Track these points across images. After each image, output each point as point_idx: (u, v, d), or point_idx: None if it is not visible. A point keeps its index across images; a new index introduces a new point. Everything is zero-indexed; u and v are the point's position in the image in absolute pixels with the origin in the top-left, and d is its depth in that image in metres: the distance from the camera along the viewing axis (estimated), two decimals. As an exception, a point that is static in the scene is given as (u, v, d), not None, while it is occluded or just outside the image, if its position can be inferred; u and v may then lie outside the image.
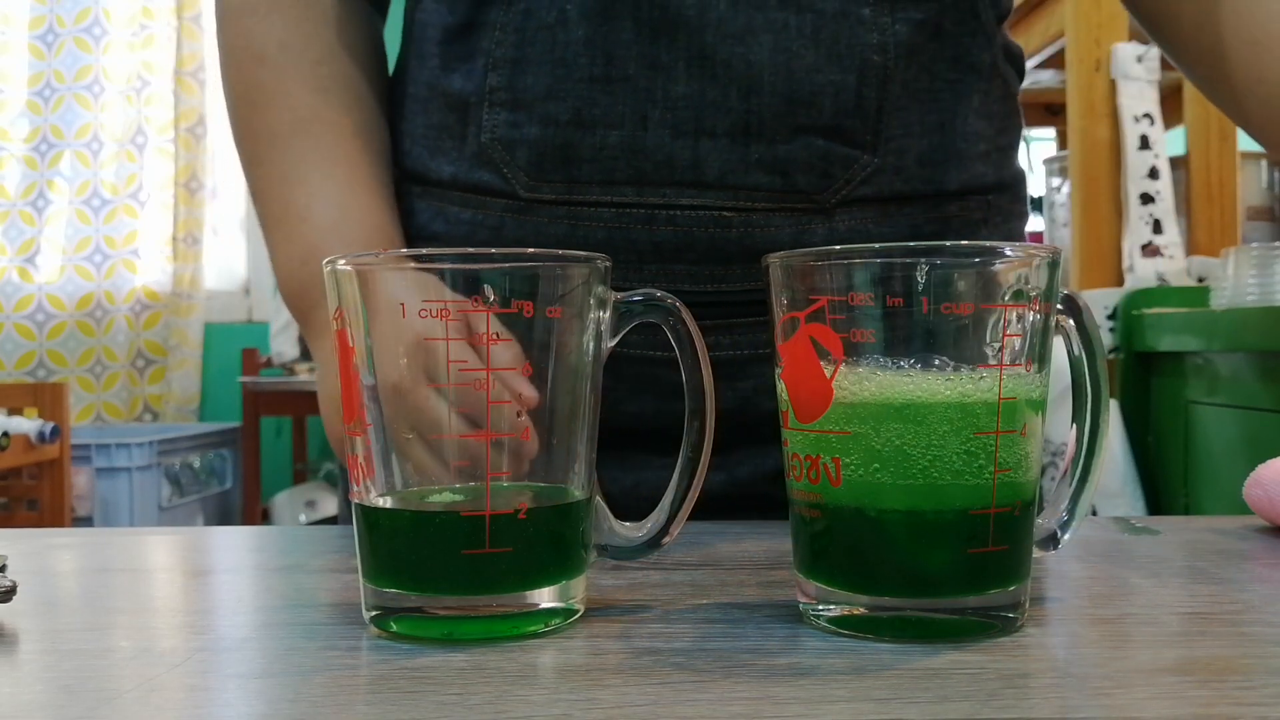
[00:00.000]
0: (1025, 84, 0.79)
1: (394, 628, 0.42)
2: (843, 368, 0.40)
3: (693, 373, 0.44)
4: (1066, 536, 0.46)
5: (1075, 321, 0.44)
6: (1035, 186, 2.32)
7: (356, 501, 0.43)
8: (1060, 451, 1.80)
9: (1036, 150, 2.85)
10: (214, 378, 3.65)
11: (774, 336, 0.43)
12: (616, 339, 0.45)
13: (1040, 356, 0.41)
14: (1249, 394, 1.64)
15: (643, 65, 0.65)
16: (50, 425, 2.60)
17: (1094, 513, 1.58)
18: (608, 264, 0.44)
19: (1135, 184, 2.03)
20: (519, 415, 0.41)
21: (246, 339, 3.62)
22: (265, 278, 3.69)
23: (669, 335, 0.45)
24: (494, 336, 0.41)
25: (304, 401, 3.34)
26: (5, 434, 2.46)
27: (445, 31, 0.70)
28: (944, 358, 0.40)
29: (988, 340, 0.40)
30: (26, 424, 2.58)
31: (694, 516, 0.66)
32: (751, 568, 0.52)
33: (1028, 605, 0.42)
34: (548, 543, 0.42)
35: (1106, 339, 1.91)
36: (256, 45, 0.73)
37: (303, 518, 3.30)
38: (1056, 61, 2.29)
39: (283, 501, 3.37)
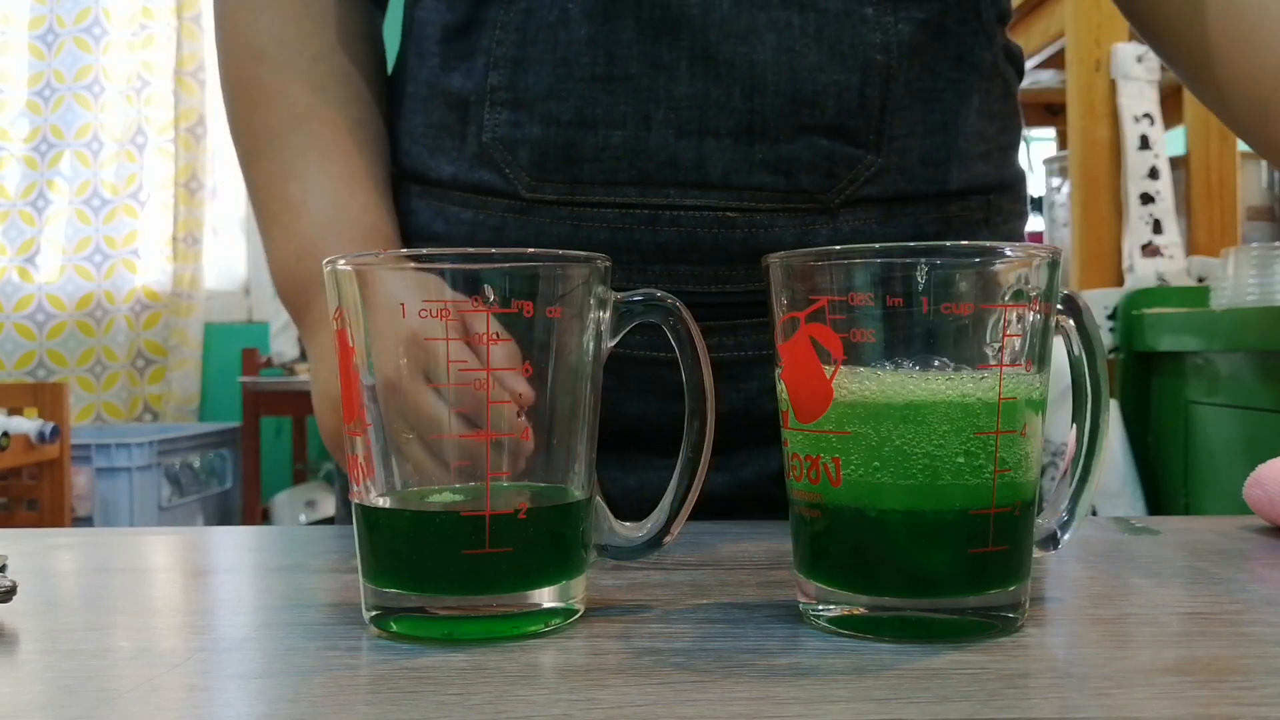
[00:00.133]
0: (1025, 84, 0.79)
1: (394, 628, 0.42)
2: (843, 368, 0.40)
3: (693, 373, 0.44)
4: (1066, 537, 0.46)
5: (1075, 321, 0.44)
6: (1035, 186, 2.32)
7: (356, 502, 0.43)
8: (1060, 451, 1.80)
9: (1036, 150, 2.85)
10: (214, 378, 3.65)
11: (774, 337, 0.43)
12: (616, 339, 0.45)
13: (1040, 356, 0.41)
14: (1249, 394, 1.64)
15: (645, 65, 0.65)
16: (50, 425, 2.60)
17: (1094, 513, 1.58)
18: (608, 264, 0.44)
19: (1135, 184, 2.03)
20: (519, 415, 0.41)
21: (246, 339, 3.62)
22: (265, 278, 3.69)
23: (669, 335, 0.45)
24: (493, 336, 0.41)
25: (304, 401, 3.34)
26: (5, 434, 2.46)
27: (445, 30, 0.70)
28: (944, 358, 0.40)
29: (988, 340, 0.40)
30: (26, 424, 2.58)
31: (698, 517, 0.66)
32: (751, 568, 0.52)
33: (1028, 605, 0.42)
34: (548, 543, 0.42)
35: (1106, 339, 1.91)
36: (255, 41, 0.72)
37: (303, 518, 3.31)
38: (1056, 61, 2.29)
39: (283, 501, 3.37)
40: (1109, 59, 2.07)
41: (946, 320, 0.39)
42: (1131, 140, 2.04)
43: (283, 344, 3.38)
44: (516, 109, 0.67)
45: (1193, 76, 0.74)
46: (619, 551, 0.46)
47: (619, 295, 0.45)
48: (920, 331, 0.39)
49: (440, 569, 0.41)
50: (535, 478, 0.42)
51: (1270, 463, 0.61)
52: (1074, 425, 0.45)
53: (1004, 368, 0.40)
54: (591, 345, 0.44)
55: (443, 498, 0.42)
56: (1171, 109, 2.15)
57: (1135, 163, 2.03)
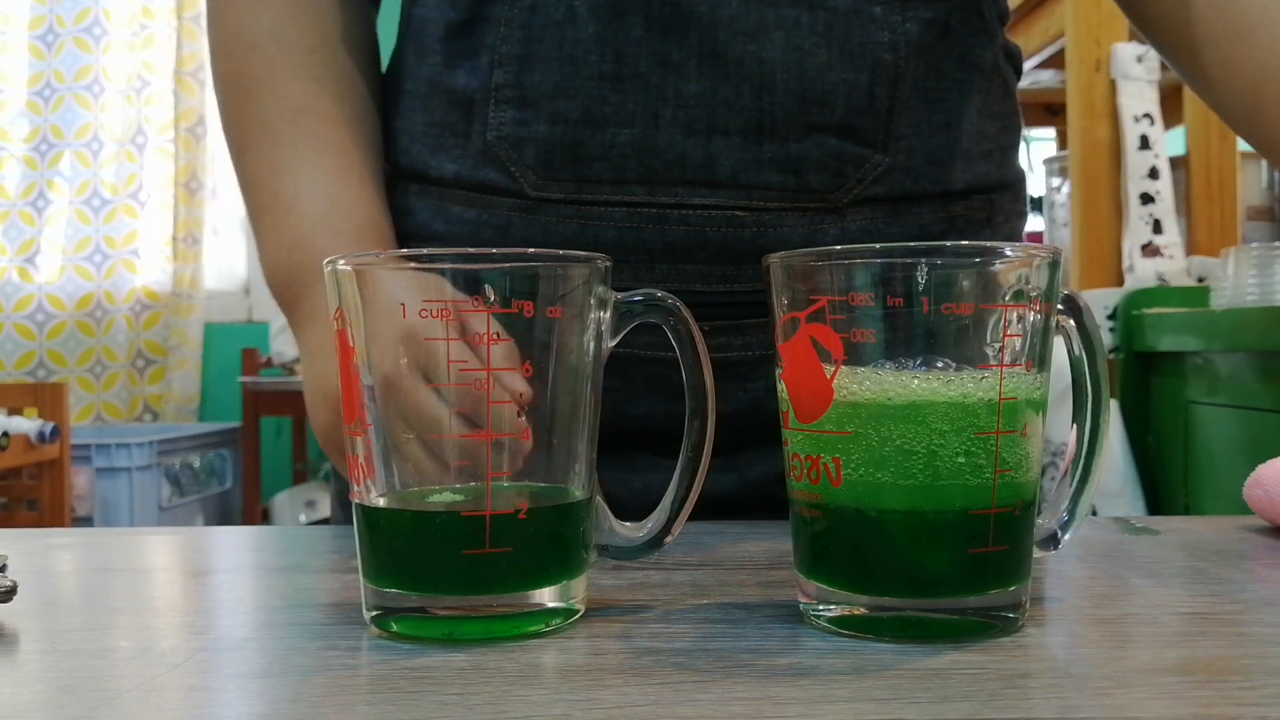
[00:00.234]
0: (1025, 84, 0.79)
1: (394, 628, 0.42)
2: (843, 368, 0.40)
3: (693, 373, 0.44)
4: (1067, 537, 0.46)
5: (1075, 322, 0.44)
6: (1035, 186, 2.32)
7: (357, 502, 0.43)
8: (1060, 451, 1.80)
9: (1036, 150, 2.85)
10: (214, 378, 3.65)
11: (774, 337, 0.43)
12: (617, 339, 0.45)
13: (1040, 357, 0.41)
14: (1249, 394, 1.65)
15: (654, 63, 0.65)
16: (50, 425, 2.60)
17: (1094, 513, 1.58)
18: (608, 264, 0.44)
19: (1135, 184, 2.03)
20: (519, 415, 0.41)
21: (246, 339, 3.62)
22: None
23: (669, 335, 0.45)
24: (493, 336, 0.41)
25: (304, 401, 3.34)
26: (5, 434, 2.46)
27: (448, 27, 0.70)
28: (944, 358, 0.40)
29: (988, 340, 0.40)
30: (26, 424, 2.58)
31: (705, 517, 0.65)
32: (752, 568, 0.52)
33: (1028, 605, 0.42)
34: (548, 543, 0.42)
35: (1106, 339, 1.91)
36: (248, 33, 0.72)
37: (303, 518, 3.31)
38: (1056, 61, 2.29)
39: (283, 501, 3.37)
40: (1109, 59, 2.07)
41: (947, 320, 0.39)
42: (1131, 140, 2.04)
43: (283, 344, 3.38)
44: (522, 107, 0.67)
45: (1188, 70, 0.74)
46: (619, 551, 0.46)
47: (619, 295, 0.45)
48: (921, 331, 0.39)
49: (441, 569, 0.41)
50: (535, 478, 0.42)
51: (1270, 463, 0.61)
52: (1074, 425, 0.45)
53: (1004, 368, 0.40)
54: (592, 345, 0.44)
55: (443, 498, 0.42)
56: (1171, 109, 2.15)
57: (1135, 163, 2.03)
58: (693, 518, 0.45)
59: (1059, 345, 0.43)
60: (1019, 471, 0.41)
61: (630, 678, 0.36)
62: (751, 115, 0.65)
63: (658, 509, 0.45)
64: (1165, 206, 2.02)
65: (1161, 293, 1.92)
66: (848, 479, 0.40)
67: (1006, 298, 0.40)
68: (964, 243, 0.40)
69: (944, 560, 0.40)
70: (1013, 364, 0.40)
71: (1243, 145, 2.10)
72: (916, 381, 0.39)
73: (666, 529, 0.45)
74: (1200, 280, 1.97)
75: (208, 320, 3.65)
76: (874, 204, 0.68)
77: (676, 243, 0.66)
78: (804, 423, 0.41)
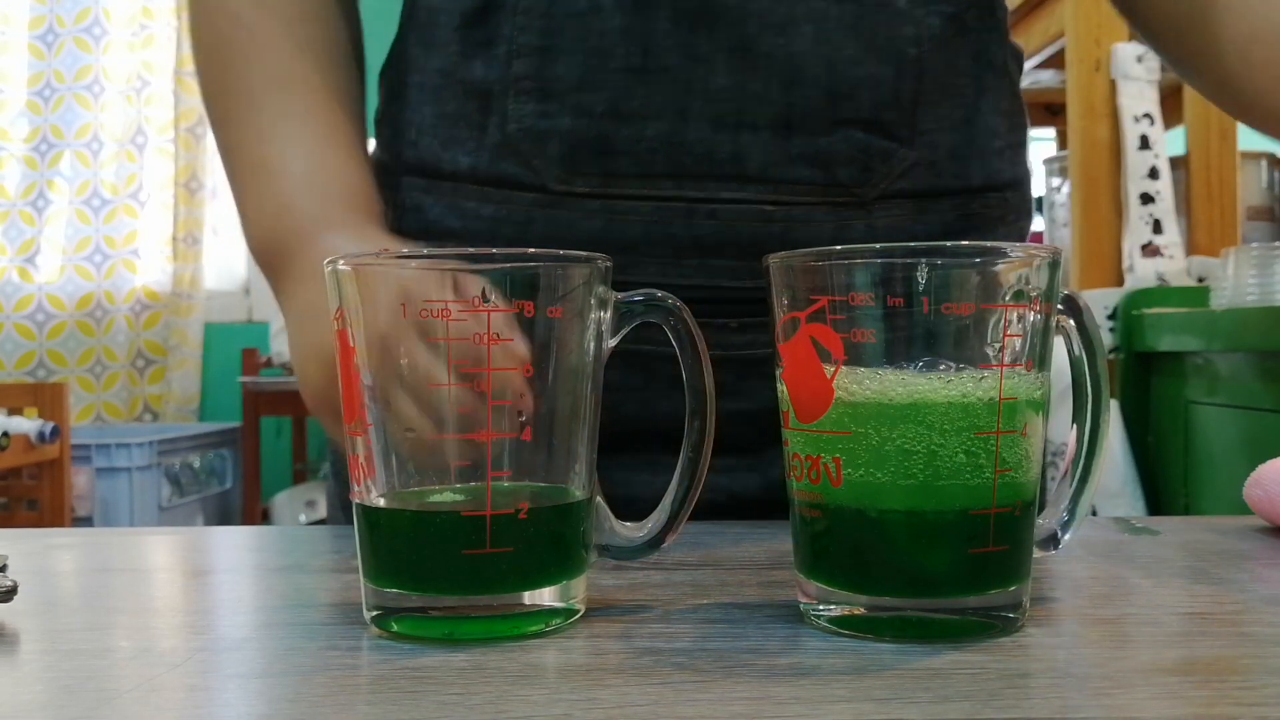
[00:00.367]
0: (1025, 84, 0.80)
1: (395, 628, 0.42)
2: (843, 368, 0.40)
3: (693, 373, 0.45)
4: (1067, 537, 0.46)
5: (1076, 322, 0.44)
6: (1035, 186, 2.32)
7: (357, 502, 0.43)
8: (1060, 451, 1.80)
9: (1036, 150, 2.85)
10: (214, 378, 3.66)
11: (774, 337, 0.43)
12: (618, 339, 0.45)
13: (1041, 357, 0.41)
14: (1249, 394, 1.65)
15: (682, 56, 0.64)
16: (50, 425, 2.60)
17: (1094, 513, 1.58)
18: (608, 264, 0.44)
19: (1135, 184, 2.03)
20: (520, 417, 0.41)
21: (246, 339, 3.62)
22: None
23: (669, 335, 0.45)
24: (494, 337, 0.41)
25: (303, 401, 3.34)
26: (5, 434, 2.46)
27: (463, 17, 0.68)
28: (945, 358, 0.40)
29: (988, 340, 0.40)
30: (26, 424, 2.58)
31: (731, 517, 0.65)
32: (752, 568, 0.52)
33: (1028, 605, 0.42)
34: (548, 543, 0.42)
35: (1106, 339, 1.91)
36: (231, 2, 0.71)
37: (303, 518, 3.31)
38: (1056, 61, 2.29)
39: (283, 501, 3.37)
40: (1109, 59, 2.07)
41: (947, 320, 0.39)
42: (1131, 140, 2.04)
43: (283, 344, 3.38)
44: (544, 99, 0.66)
45: (1175, 52, 0.74)
46: (620, 552, 0.46)
47: (619, 295, 0.45)
48: (921, 331, 0.39)
49: (441, 569, 0.41)
50: (536, 478, 0.42)
51: (1270, 463, 0.61)
52: (1074, 425, 0.45)
53: (1004, 368, 0.40)
54: (592, 345, 0.44)
55: (443, 498, 0.42)
56: (1171, 109, 2.15)
57: (1135, 163, 2.03)
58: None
59: (1059, 345, 0.44)
60: (1019, 471, 0.41)
61: (630, 677, 0.36)
62: (780, 109, 0.65)
63: (658, 509, 0.45)
64: (1165, 206, 2.02)
65: (1161, 293, 1.92)
66: (848, 479, 0.40)
67: (1007, 298, 0.40)
68: (964, 243, 0.40)
69: (944, 560, 0.40)
70: (1013, 364, 0.40)
71: (1243, 145, 2.10)
72: (917, 381, 0.39)
73: (667, 529, 0.45)
74: (1200, 280, 1.97)
75: (208, 320, 3.66)
76: (900, 200, 0.68)
77: (704, 238, 0.65)
78: (804, 423, 0.41)
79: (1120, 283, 2.02)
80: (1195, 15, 0.70)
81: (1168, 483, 1.85)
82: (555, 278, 0.42)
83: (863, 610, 0.41)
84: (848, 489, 0.40)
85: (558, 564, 0.42)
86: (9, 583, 0.44)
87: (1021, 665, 0.37)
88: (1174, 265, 1.99)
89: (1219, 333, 1.69)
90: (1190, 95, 2.09)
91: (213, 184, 3.65)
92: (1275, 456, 0.62)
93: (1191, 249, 2.07)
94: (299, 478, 3.54)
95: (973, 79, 0.70)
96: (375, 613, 0.42)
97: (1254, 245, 1.82)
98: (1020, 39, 2.31)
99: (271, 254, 0.68)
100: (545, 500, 0.42)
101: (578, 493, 0.43)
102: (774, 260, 0.43)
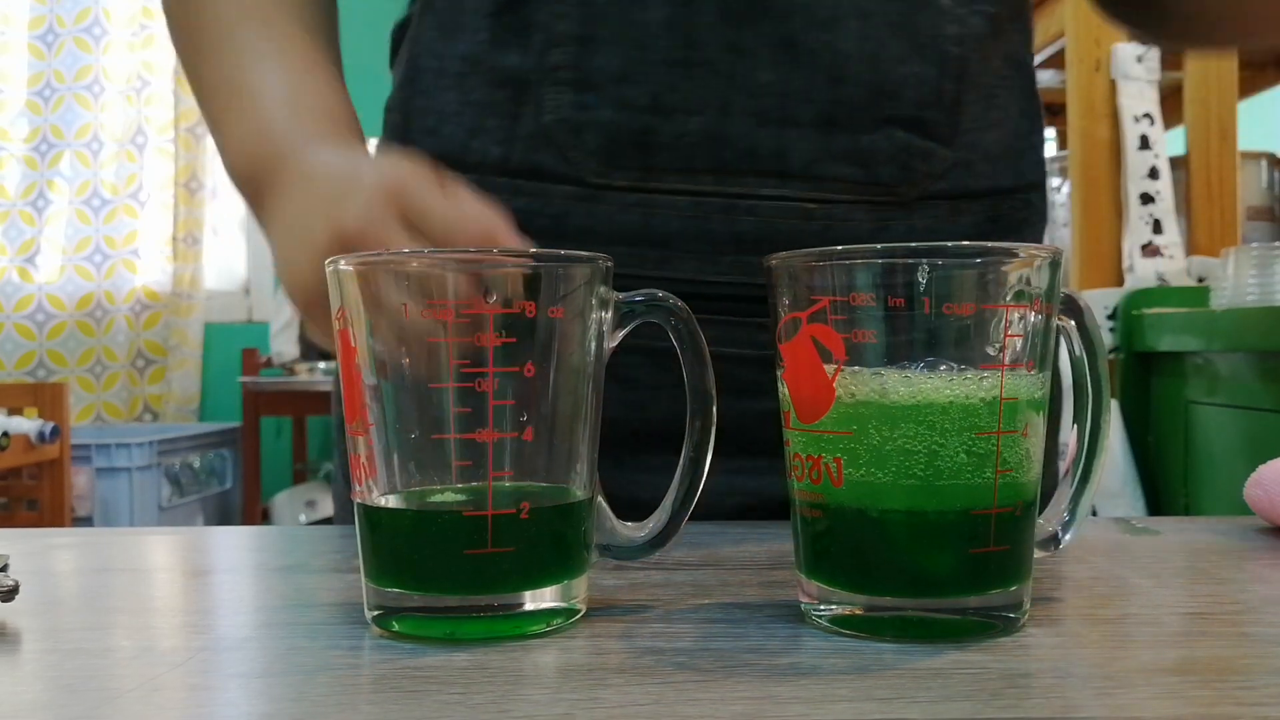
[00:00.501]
0: (1026, 84, 0.80)
1: (396, 627, 0.42)
2: (844, 368, 0.40)
3: (695, 374, 0.45)
4: (1068, 537, 0.46)
5: (1076, 322, 0.44)
6: (1035, 187, 2.31)
7: (359, 501, 0.43)
8: (1061, 452, 1.80)
9: (1037, 150, 2.84)
10: (214, 378, 3.66)
11: (776, 337, 0.43)
12: (619, 339, 0.45)
13: (1041, 357, 0.41)
14: (1249, 394, 1.65)
15: (725, 50, 0.63)
16: (50, 425, 2.60)
17: (1094, 513, 1.58)
18: (609, 264, 0.44)
19: (1135, 184, 2.03)
20: (522, 418, 0.41)
21: (246, 339, 3.62)
22: (265, 278, 3.70)
23: (670, 335, 0.45)
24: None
25: (304, 401, 3.34)
26: (5, 434, 2.46)
27: (494, 3, 0.67)
28: (945, 358, 0.40)
29: (989, 340, 0.40)
30: (26, 424, 2.58)
31: (756, 517, 0.64)
32: (753, 568, 0.52)
33: (1029, 605, 0.42)
34: (550, 543, 0.42)
35: (1106, 339, 1.91)
36: None
37: (303, 518, 3.31)
38: (1056, 61, 2.29)
39: (283, 501, 3.37)
40: (1109, 59, 2.07)
41: (948, 320, 0.39)
42: (1131, 140, 2.04)
43: (283, 344, 3.38)
44: (583, 90, 0.65)
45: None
46: (621, 551, 0.46)
47: (620, 295, 0.45)
48: (922, 332, 0.39)
49: (442, 569, 0.41)
50: (537, 477, 0.42)
51: (1271, 463, 0.61)
52: (1075, 426, 0.46)
53: (1005, 368, 0.40)
54: (593, 345, 0.44)
55: (445, 497, 0.42)
56: (1171, 109, 2.15)
57: (1135, 163, 2.03)
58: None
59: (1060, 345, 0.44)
60: (1020, 471, 0.41)
61: (632, 677, 0.36)
62: (824, 106, 0.64)
63: (659, 509, 0.45)
64: (1165, 206, 2.02)
65: (1161, 293, 1.92)
66: (849, 479, 0.40)
67: (1007, 298, 0.40)
68: (965, 243, 0.40)
69: (945, 560, 0.40)
70: (1014, 364, 0.40)
71: (1243, 145, 2.10)
72: (918, 381, 0.39)
73: (668, 529, 0.45)
74: (1200, 280, 1.97)
75: (208, 320, 3.66)
76: (938, 200, 0.67)
77: (744, 234, 0.65)
78: (805, 423, 0.41)
79: (1120, 283, 2.02)
80: None
81: (1168, 483, 1.85)
82: (556, 277, 0.42)
83: (864, 610, 0.41)
84: (849, 489, 0.40)
85: (559, 564, 0.42)
86: (10, 582, 0.44)
87: (1023, 665, 0.37)
88: (1174, 265, 1.99)
89: (1219, 333, 1.69)
90: (1190, 95, 2.09)
91: (213, 184, 3.65)
92: (1275, 456, 0.62)
93: (1191, 249, 2.07)
94: (299, 478, 3.54)
95: (1005, 79, 0.70)
96: (377, 612, 0.42)
97: (1254, 245, 1.82)
98: (1020, 39, 2.30)
99: (253, 177, 0.66)
100: (546, 500, 0.42)
101: (579, 493, 0.43)
102: (775, 260, 0.43)
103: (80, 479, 2.91)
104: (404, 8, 0.76)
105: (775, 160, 0.64)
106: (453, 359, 0.40)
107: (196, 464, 3.30)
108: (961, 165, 0.68)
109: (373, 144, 0.75)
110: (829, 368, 0.40)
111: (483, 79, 0.67)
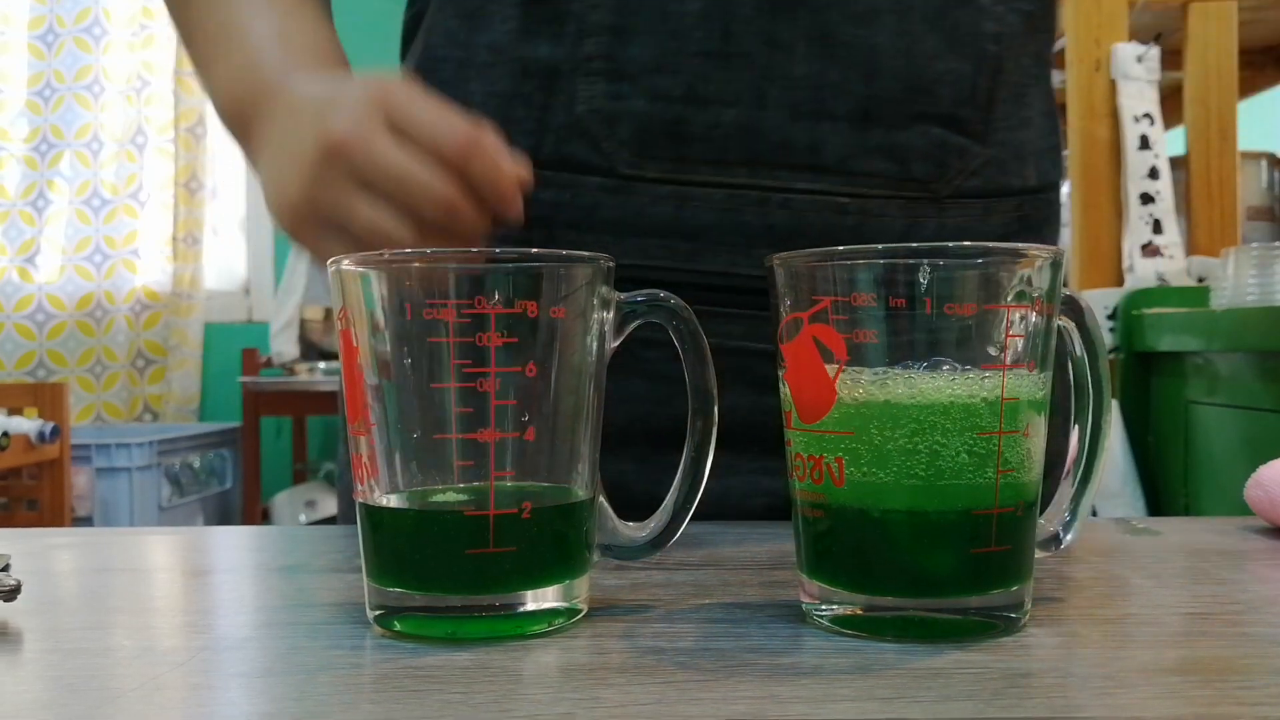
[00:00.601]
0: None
1: (398, 627, 0.42)
2: (846, 368, 0.40)
3: (696, 373, 0.45)
4: (1069, 537, 0.46)
5: (1077, 323, 0.44)
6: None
7: (361, 501, 0.43)
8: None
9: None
10: (214, 378, 3.66)
11: (778, 337, 0.43)
12: (620, 339, 0.45)
13: (1042, 357, 0.41)
14: (1249, 394, 1.65)
15: (761, 42, 0.63)
16: (50, 425, 2.60)
17: (1094, 513, 1.58)
18: (610, 264, 0.44)
19: (1135, 184, 2.03)
20: (524, 418, 0.41)
21: (246, 339, 3.62)
22: (265, 278, 3.70)
23: (671, 335, 0.45)
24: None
25: (304, 401, 3.34)
26: (5, 434, 2.46)
27: None
28: (947, 358, 0.40)
29: (990, 341, 0.40)
30: (26, 424, 2.58)
31: (784, 519, 0.64)
32: (754, 568, 0.52)
33: (1030, 605, 0.42)
34: (551, 542, 0.42)
35: (1106, 339, 1.91)
36: None
37: (303, 518, 3.31)
38: (1056, 61, 2.29)
39: (283, 501, 3.37)
40: (1109, 59, 2.07)
41: (949, 321, 0.39)
42: (1131, 140, 2.04)
43: (283, 344, 3.38)
44: (617, 80, 0.64)
45: None
46: (622, 551, 0.46)
47: (621, 295, 0.45)
48: (923, 332, 0.40)
49: (444, 568, 0.41)
50: (539, 477, 0.42)
51: (1271, 463, 0.61)
52: (1075, 426, 0.46)
53: (1006, 368, 0.40)
54: (595, 345, 0.44)
55: (447, 497, 0.42)
56: (1171, 109, 2.15)
57: (1135, 163, 2.03)
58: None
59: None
60: (1021, 471, 0.41)
61: (634, 677, 0.36)
62: (859, 101, 0.64)
63: (660, 509, 0.45)
64: (1165, 206, 2.02)
65: (1161, 293, 1.92)
66: (850, 479, 0.40)
67: (1008, 298, 0.40)
68: (966, 243, 0.40)
69: (946, 560, 0.40)
70: (1015, 364, 0.40)
71: (1243, 145, 2.10)
72: (919, 382, 0.40)
73: (669, 529, 0.45)
74: (1200, 280, 1.97)
75: (208, 320, 3.66)
76: (969, 199, 0.67)
77: (777, 227, 0.64)
78: (807, 423, 0.41)
79: (1120, 283, 2.02)
80: None
81: (1168, 483, 1.85)
82: (558, 277, 0.42)
83: (865, 610, 0.41)
84: (850, 489, 0.40)
85: (560, 564, 0.42)
86: (12, 582, 0.44)
87: (1024, 665, 0.37)
88: (1174, 265, 1.99)
89: (1219, 333, 1.69)
90: (1190, 95, 2.09)
91: (213, 184, 3.65)
92: (1275, 457, 0.62)
93: (1191, 249, 2.07)
94: (299, 478, 3.54)
95: (1034, 78, 0.70)
96: (378, 612, 0.42)
97: (1254, 245, 1.82)
98: (1020, 39, 2.30)
99: (240, 113, 0.65)
100: (548, 500, 0.42)
101: (580, 492, 0.43)
102: (776, 260, 0.43)
103: (80, 479, 2.91)
104: (408, 1, 0.76)
105: (810, 154, 0.64)
106: (454, 359, 0.40)
107: (196, 464, 3.30)
108: (994, 163, 0.68)
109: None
110: (830, 368, 0.40)
111: (510, 69, 0.67)
